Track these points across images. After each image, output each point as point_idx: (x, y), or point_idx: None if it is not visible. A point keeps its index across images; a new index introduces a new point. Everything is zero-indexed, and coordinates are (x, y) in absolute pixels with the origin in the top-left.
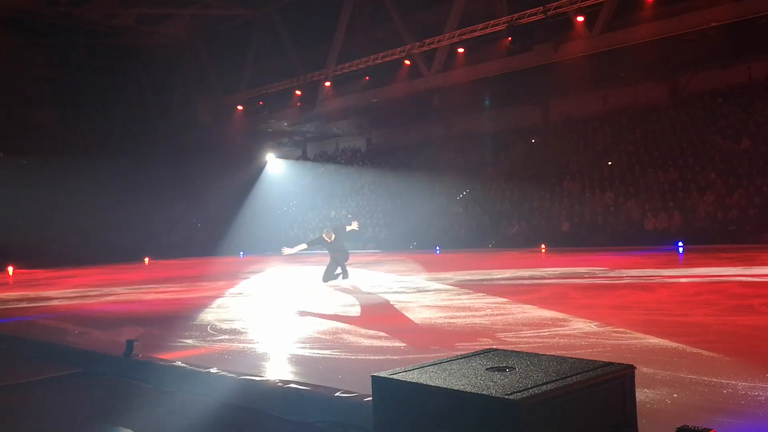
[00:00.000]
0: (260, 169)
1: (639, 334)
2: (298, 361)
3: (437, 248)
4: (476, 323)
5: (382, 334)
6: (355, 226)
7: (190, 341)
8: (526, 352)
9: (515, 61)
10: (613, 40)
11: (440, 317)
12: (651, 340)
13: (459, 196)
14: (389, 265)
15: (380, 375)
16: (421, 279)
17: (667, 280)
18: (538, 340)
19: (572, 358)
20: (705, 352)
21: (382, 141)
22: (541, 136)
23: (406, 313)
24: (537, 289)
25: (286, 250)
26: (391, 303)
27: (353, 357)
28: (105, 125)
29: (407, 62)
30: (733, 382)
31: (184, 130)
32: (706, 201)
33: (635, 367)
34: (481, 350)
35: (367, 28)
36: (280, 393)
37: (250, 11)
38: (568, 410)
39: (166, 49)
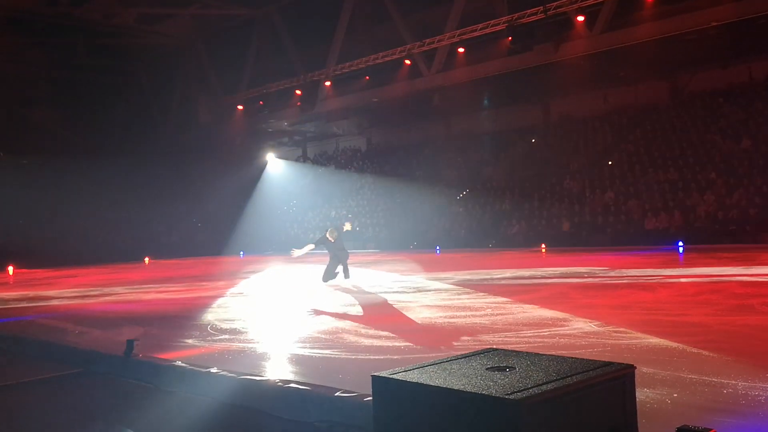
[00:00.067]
0: (260, 168)
1: (639, 334)
2: (298, 361)
3: (437, 248)
4: (476, 323)
5: (382, 334)
6: (348, 226)
7: (190, 341)
8: (526, 352)
9: (515, 61)
10: (613, 40)
11: (440, 317)
12: (651, 340)
13: (459, 196)
14: (389, 265)
15: (380, 375)
16: (421, 279)
17: (667, 280)
18: (538, 339)
19: (572, 357)
20: (705, 352)
21: (382, 141)
22: (541, 136)
23: (406, 313)
24: (537, 288)
25: (296, 252)
26: (391, 303)
27: (353, 357)
28: (105, 125)
29: (407, 62)
30: (733, 382)
31: (184, 129)
32: (706, 201)
33: (635, 367)
34: (481, 350)
35: (367, 28)
36: (280, 393)
37: (250, 11)
38: (568, 410)
39: (166, 49)
